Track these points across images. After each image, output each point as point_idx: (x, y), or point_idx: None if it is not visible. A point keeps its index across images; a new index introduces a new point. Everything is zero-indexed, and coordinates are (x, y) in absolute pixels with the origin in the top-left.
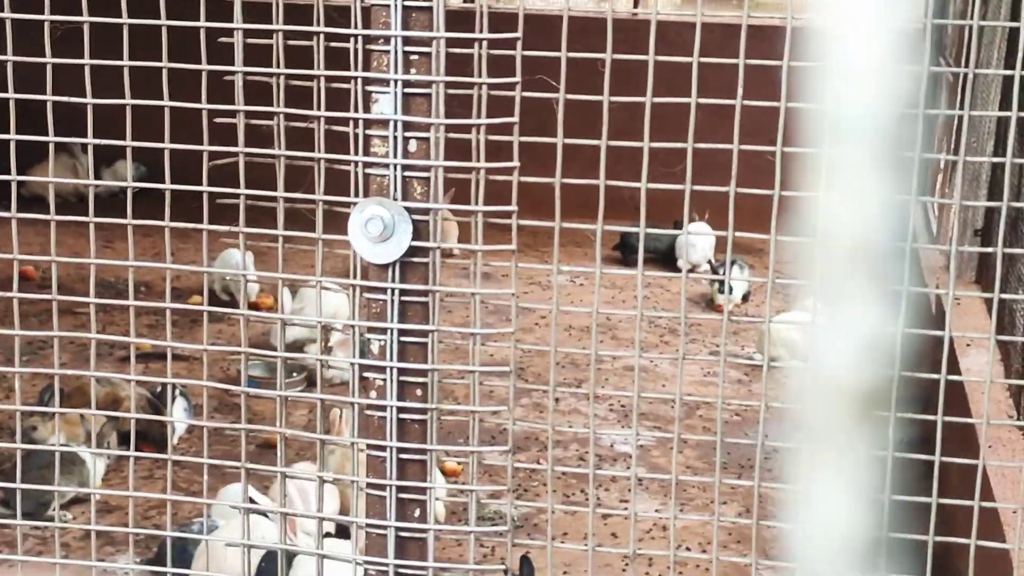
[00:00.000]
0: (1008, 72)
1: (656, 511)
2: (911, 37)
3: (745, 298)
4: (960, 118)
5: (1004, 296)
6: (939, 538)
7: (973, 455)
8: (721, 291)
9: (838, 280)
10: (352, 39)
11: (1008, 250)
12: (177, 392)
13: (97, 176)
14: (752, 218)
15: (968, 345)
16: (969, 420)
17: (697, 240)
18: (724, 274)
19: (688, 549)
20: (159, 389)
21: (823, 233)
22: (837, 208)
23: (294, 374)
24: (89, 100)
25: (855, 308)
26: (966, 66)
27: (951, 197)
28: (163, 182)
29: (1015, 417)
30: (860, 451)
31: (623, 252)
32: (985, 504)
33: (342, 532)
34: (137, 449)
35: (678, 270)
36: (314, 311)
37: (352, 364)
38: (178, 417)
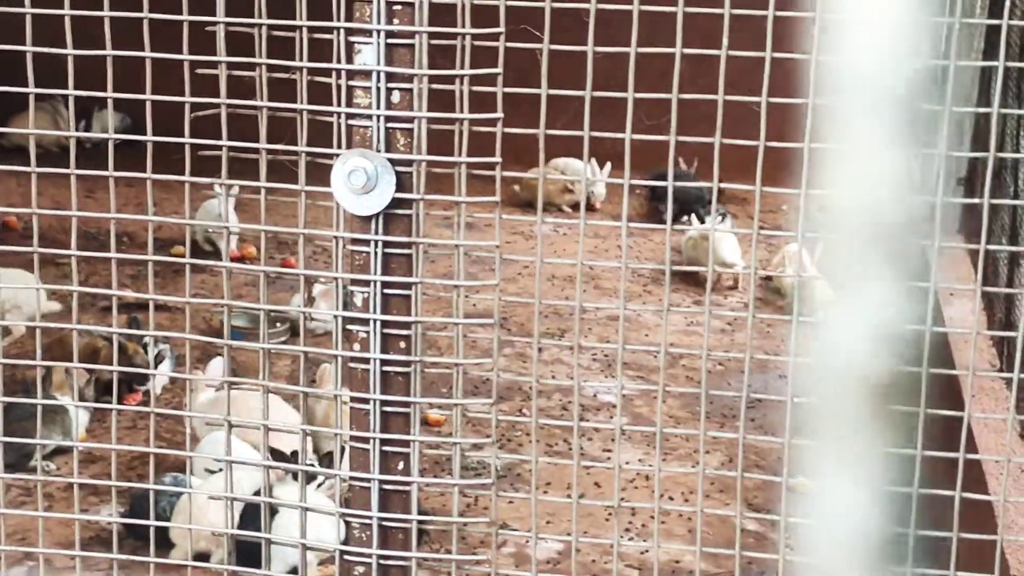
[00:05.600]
0: (994, 22)
1: (639, 460)
2: None
3: None
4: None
5: (989, 247)
6: (923, 490)
7: (958, 407)
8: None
9: (850, 260)
10: None
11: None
12: (160, 343)
13: (87, 126)
14: (734, 168)
15: (951, 295)
16: (953, 372)
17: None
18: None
19: (671, 499)
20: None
21: (833, 207)
22: (848, 180)
23: (277, 325)
24: (70, 51)
25: (870, 291)
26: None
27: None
28: (146, 133)
29: (998, 368)
30: (876, 444)
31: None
32: (971, 456)
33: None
34: (120, 398)
35: (661, 221)
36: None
37: (335, 317)
38: (161, 367)
